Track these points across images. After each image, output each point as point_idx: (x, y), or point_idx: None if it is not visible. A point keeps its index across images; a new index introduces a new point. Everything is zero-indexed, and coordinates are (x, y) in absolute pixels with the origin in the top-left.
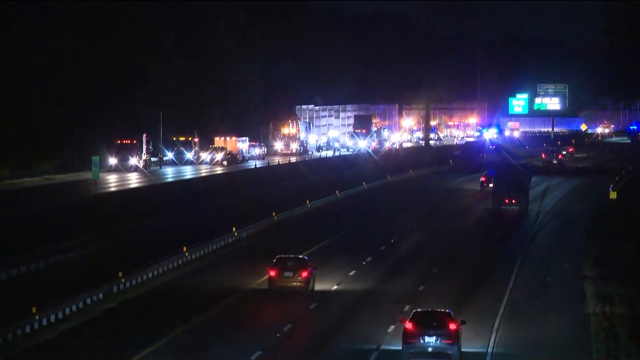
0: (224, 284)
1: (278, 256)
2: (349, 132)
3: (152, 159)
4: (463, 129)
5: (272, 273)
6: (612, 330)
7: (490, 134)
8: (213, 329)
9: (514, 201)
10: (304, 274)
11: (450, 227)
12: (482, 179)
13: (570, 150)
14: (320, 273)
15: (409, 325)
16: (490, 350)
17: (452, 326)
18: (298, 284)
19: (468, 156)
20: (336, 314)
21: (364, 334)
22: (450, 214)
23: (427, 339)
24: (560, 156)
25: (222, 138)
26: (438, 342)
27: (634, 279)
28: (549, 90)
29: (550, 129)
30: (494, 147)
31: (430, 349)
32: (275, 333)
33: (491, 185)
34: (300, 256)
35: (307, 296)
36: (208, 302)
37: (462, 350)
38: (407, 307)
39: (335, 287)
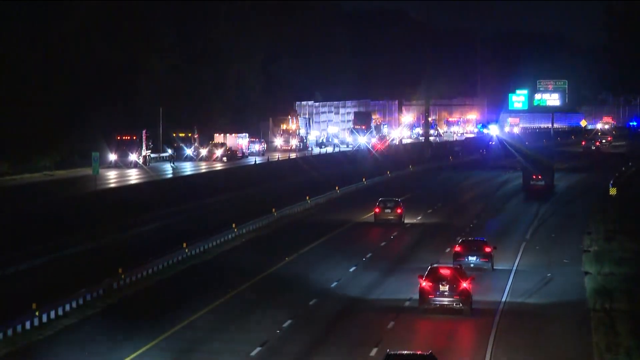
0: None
1: (380, 198)
2: (348, 128)
3: (152, 155)
4: (463, 125)
5: (377, 210)
6: (613, 326)
7: (495, 130)
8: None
9: (540, 177)
10: (399, 210)
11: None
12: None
13: (609, 139)
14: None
15: (457, 248)
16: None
17: (488, 249)
18: (394, 217)
19: (469, 153)
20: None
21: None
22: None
23: (470, 258)
24: (597, 143)
25: (222, 134)
26: (477, 260)
27: (634, 274)
28: (549, 86)
29: (550, 125)
30: (493, 143)
31: (472, 265)
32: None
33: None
34: (396, 198)
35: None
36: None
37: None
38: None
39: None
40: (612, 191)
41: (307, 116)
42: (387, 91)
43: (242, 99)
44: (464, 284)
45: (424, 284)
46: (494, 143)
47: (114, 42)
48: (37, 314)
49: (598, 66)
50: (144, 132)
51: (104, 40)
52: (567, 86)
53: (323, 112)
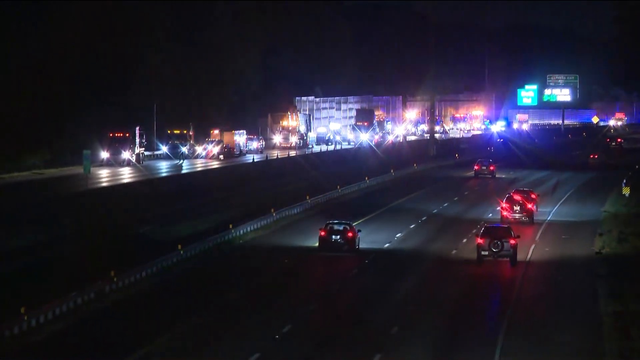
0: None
1: (479, 159)
2: (350, 125)
3: (145, 153)
4: (470, 121)
5: (476, 167)
6: (626, 330)
7: (497, 127)
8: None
9: (596, 156)
10: (492, 167)
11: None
12: (607, 140)
13: None
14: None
15: (510, 196)
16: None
17: (533, 196)
18: (488, 172)
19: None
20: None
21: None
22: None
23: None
24: None
25: (218, 131)
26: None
27: None
28: (559, 81)
29: (560, 122)
30: (501, 140)
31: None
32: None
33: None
34: (490, 160)
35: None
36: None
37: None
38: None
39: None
40: (625, 190)
41: (307, 112)
42: (391, 86)
43: (239, 94)
44: (529, 205)
45: (504, 205)
46: (501, 140)
47: (107, 36)
48: (26, 318)
49: (610, 60)
50: (137, 128)
51: (96, 34)
52: (578, 81)
53: (324, 108)
